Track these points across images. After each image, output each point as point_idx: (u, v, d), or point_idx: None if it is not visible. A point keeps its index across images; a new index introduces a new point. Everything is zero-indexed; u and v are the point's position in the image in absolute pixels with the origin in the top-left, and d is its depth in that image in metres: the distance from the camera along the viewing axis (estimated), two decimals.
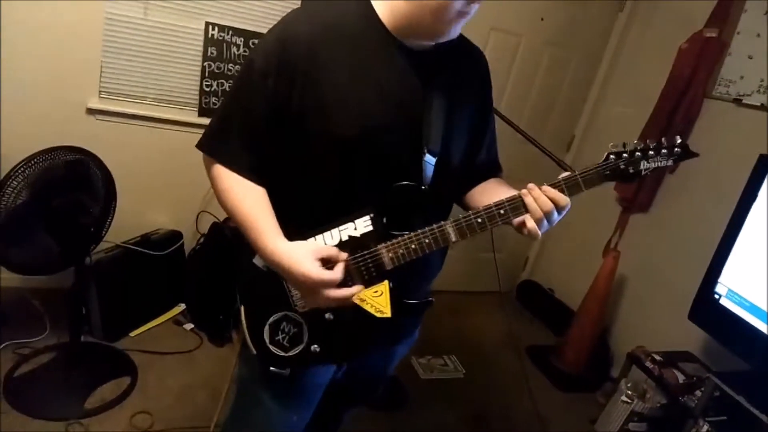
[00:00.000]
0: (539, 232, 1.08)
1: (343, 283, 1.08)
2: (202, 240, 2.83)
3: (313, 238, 1.12)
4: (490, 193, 1.25)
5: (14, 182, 1.80)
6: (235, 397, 1.40)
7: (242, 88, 1.13)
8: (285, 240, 1.09)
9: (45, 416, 1.99)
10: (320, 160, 1.12)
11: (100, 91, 2.55)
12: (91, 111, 2.55)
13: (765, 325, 2.01)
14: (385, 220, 1.12)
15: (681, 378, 2.34)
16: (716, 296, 2.21)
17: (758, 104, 2.55)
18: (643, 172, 1.09)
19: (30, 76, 2.40)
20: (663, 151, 1.08)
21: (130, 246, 2.52)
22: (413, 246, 1.10)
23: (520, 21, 3.19)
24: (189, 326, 2.73)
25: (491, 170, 1.35)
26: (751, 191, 2.14)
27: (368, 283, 1.12)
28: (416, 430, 2.40)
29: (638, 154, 1.08)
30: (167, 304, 2.81)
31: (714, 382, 2.10)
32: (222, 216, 2.78)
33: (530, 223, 1.07)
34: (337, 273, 1.07)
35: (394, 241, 1.11)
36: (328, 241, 1.12)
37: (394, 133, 1.12)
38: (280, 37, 1.08)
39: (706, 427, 2.10)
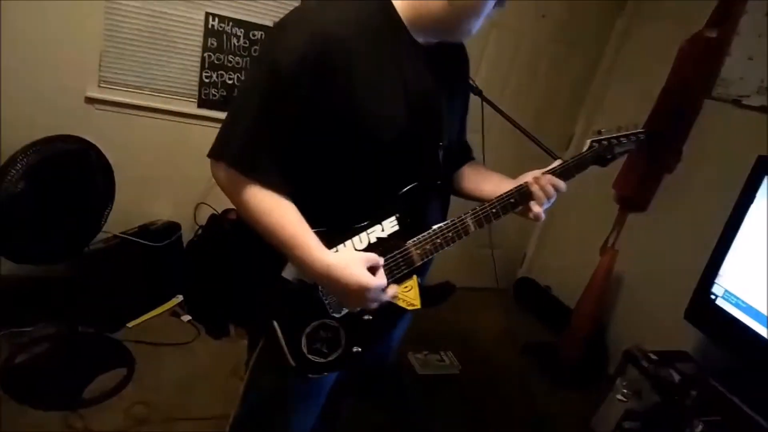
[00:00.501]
0: (544, 215, 1.25)
1: None
2: (200, 231, 2.83)
3: (342, 244, 1.12)
4: (484, 178, 1.36)
5: (12, 171, 1.79)
6: (250, 403, 1.36)
7: (270, 93, 1.02)
8: (331, 252, 1.08)
9: (42, 406, 1.99)
10: (346, 162, 1.10)
11: (99, 81, 2.54)
12: (90, 100, 2.54)
13: (760, 327, 2.02)
14: (409, 218, 1.16)
15: (676, 377, 2.35)
16: (713, 297, 2.23)
17: (758, 105, 2.56)
18: (617, 156, 1.36)
19: (29, 65, 2.38)
20: (632, 137, 1.36)
21: (128, 236, 2.52)
22: (438, 240, 1.17)
23: (521, 18, 3.18)
24: (186, 318, 2.73)
25: (467, 153, 1.45)
26: (749, 192, 2.15)
27: (399, 281, 1.17)
28: (413, 426, 2.41)
29: (613, 140, 1.34)
30: (165, 296, 2.81)
31: (709, 382, 2.11)
32: (220, 207, 2.78)
33: (536, 208, 1.24)
34: (383, 277, 1.10)
35: (421, 237, 1.16)
36: (357, 245, 1.13)
37: (419, 132, 1.14)
38: (313, 33, 0.99)
39: (700, 427, 2.10)
